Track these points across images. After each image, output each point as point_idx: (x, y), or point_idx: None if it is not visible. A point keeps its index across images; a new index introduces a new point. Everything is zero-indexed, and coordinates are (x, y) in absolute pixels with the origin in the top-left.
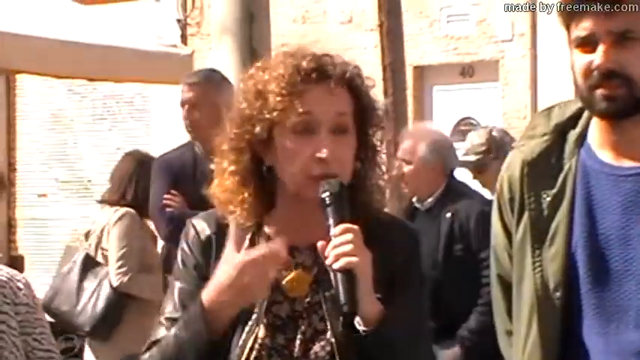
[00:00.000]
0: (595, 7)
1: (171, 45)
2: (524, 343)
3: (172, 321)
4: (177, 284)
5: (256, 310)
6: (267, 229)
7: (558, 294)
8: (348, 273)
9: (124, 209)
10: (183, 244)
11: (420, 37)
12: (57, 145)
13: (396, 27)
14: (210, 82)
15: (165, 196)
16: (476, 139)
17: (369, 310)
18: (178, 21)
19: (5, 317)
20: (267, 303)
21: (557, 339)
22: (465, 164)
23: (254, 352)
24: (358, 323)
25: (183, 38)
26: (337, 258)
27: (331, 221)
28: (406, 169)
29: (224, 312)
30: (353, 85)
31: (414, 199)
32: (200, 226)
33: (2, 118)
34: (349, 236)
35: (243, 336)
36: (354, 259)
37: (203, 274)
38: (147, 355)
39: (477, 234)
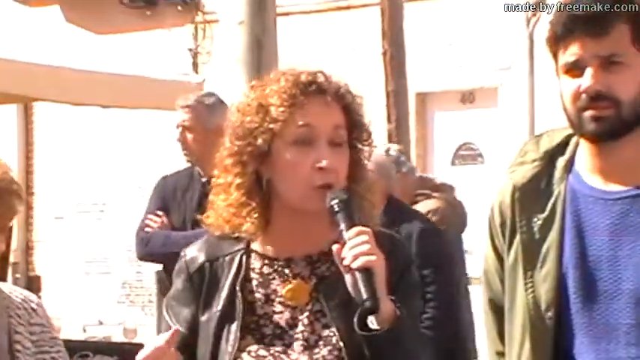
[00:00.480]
0: (582, 32)
1: (183, 73)
2: (512, 341)
3: None
4: (168, 320)
5: (237, 313)
6: (258, 248)
7: (550, 314)
8: (367, 272)
9: None
10: (175, 280)
11: (423, 64)
12: (73, 170)
13: (399, 55)
14: (203, 105)
15: (149, 216)
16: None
17: (387, 307)
18: (190, 50)
19: (20, 337)
20: (267, 314)
21: (549, 358)
22: None
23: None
24: (372, 322)
25: (195, 66)
26: (355, 257)
27: (343, 226)
28: None
29: None
30: (345, 100)
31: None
32: (191, 255)
33: (21, 143)
34: (365, 237)
35: (230, 344)
36: (372, 257)
37: (195, 303)
38: None
39: (418, 253)
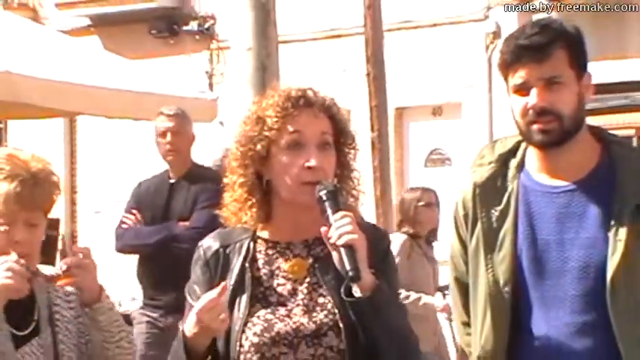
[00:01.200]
0: (527, 59)
1: (200, 91)
2: (481, 331)
3: None
4: (192, 303)
5: (246, 286)
6: (264, 234)
7: (507, 289)
8: (350, 248)
9: None
10: (194, 268)
11: (400, 84)
12: (109, 171)
13: (380, 76)
14: (184, 114)
15: (125, 215)
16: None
17: (367, 278)
18: (206, 72)
19: (59, 308)
20: (272, 286)
21: (507, 326)
22: None
23: (266, 327)
24: (356, 291)
25: (210, 86)
26: (340, 236)
27: (330, 212)
28: None
29: (198, 341)
30: (331, 111)
31: None
32: (207, 244)
33: (66, 150)
34: (347, 220)
35: (242, 311)
36: (354, 235)
37: (211, 285)
38: None
39: None
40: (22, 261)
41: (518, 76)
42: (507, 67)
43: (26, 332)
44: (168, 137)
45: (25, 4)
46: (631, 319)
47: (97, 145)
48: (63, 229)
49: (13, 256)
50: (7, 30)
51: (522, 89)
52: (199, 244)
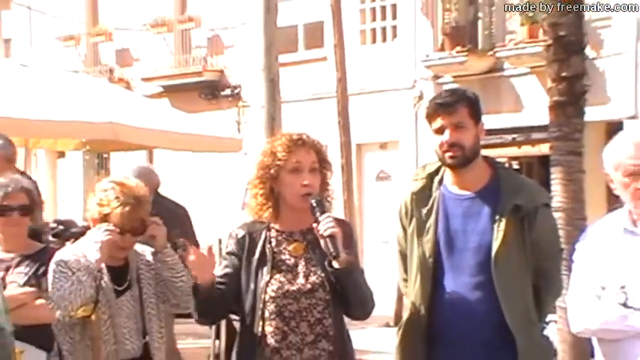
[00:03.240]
0: (442, 112)
1: (232, 133)
2: (413, 286)
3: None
4: (222, 262)
5: (268, 260)
6: (276, 226)
7: (430, 260)
8: (332, 237)
9: None
10: (229, 242)
11: (360, 127)
12: (177, 190)
13: (347, 123)
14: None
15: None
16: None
17: (344, 256)
18: (236, 121)
19: (142, 271)
20: (282, 260)
21: (429, 283)
22: None
23: (280, 286)
24: (335, 264)
25: (238, 130)
26: (326, 230)
27: (318, 214)
28: None
29: (201, 279)
30: (317, 148)
31: None
32: (237, 231)
33: None
34: (330, 219)
35: (265, 277)
36: (335, 229)
37: (238, 257)
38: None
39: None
40: (113, 227)
41: (437, 122)
42: (430, 116)
43: (122, 288)
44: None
45: (122, 79)
46: (507, 280)
47: (170, 170)
48: None
49: (110, 226)
50: (112, 95)
51: (439, 131)
52: (231, 231)
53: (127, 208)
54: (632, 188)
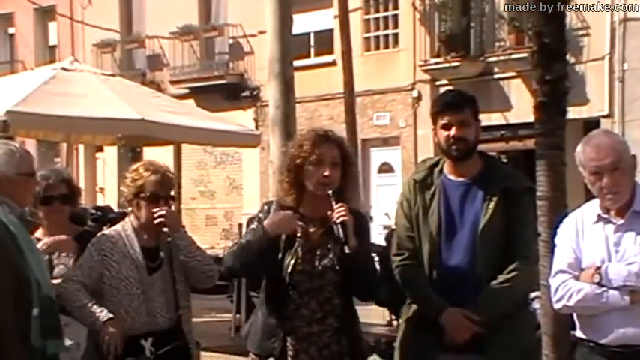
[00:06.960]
0: (449, 109)
1: (250, 129)
2: (422, 258)
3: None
4: (250, 227)
5: (297, 241)
6: (300, 210)
7: (435, 233)
8: (344, 224)
9: None
10: (263, 212)
11: (366, 126)
12: (200, 179)
13: (353, 122)
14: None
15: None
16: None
17: (354, 242)
18: (254, 119)
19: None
20: (302, 243)
21: (438, 251)
22: None
23: (297, 263)
24: (346, 249)
25: (256, 127)
26: (339, 217)
27: (334, 202)
28: None
29: (272, 231)
30: (340, 144)
31: None
32: (268, 205)
33: (175, 168)
34: (343, 207)
35: (292, 255)
36: (346, 217)
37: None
38: (229, 250)
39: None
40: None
41: (444, 119)
42: (437, 114)
43: (155, 265)
44: None
45: (153, 81)
46: (486, 250)
47: (193, 161)
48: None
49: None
50: (144, 96)
51: (446, 128)
52: (263, 203)
53: (158, 176)
54: (597, 187)
